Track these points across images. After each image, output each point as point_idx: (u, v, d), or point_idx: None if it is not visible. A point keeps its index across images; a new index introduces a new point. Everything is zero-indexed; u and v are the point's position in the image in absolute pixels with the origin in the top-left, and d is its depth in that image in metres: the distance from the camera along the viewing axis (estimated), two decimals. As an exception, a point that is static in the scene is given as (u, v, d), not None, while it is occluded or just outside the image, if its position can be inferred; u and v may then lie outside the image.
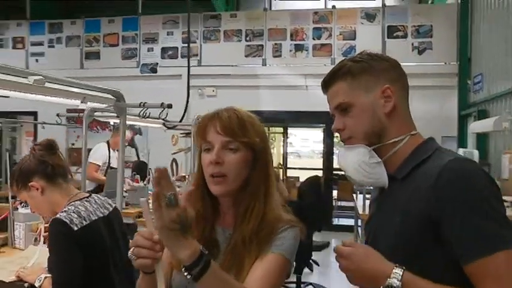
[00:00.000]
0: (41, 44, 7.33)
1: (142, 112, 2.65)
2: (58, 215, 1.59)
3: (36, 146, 1.78)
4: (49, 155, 1.74)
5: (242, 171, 1.07)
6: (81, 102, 2.19)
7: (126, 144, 4.87)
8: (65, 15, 7.58)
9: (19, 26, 7.40)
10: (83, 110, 3.33)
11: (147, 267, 0.91)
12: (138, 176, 4.31)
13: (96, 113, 3.51)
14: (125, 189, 4.06)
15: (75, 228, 1.57)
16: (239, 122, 1.07)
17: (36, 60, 7.18)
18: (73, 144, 6.51)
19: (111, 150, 4.75)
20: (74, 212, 1.62)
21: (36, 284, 1.75)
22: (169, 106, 2.63)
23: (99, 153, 4.63)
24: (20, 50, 7.38)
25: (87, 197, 1.78)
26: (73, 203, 1.69)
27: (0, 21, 7.53)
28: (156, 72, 6.93)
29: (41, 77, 1.79)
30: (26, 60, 7.25)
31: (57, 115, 3.99)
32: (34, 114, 6.53)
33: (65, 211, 1.61)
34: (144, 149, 6.15)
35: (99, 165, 4.45)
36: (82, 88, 2.21)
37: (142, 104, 2.61)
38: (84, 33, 7.24)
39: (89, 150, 4.70)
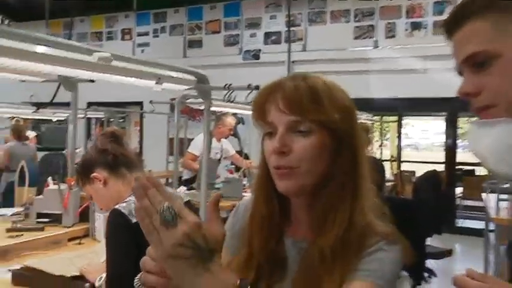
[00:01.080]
0: (146, 34, 7.53)
1: (227, 95, 2.36)
2: (117, 206, 1.49)
3: (99, 136, 1.70)
4: (111, 144, 1.63)
5: (318, 162, 0.80)
6: (156, 83, 1.97)
7: (230, 133, 4.72)
8: (169, 4, 7.70)
9: (127, 17, 7.70)
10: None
11: None
12: (233, 167, 4.11)
13: (189, 100, 3.37)
14: (219, 181, 3.90)
15: (134, 221, 1.41)
16: (310, 93, 0.80)
17: (142, 51, 7.38)
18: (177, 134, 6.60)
19: (214, 140, 4.63)
20: (134, 203, 1.43)
21: (96, 284, 1.57)
22: (257, 88, 2.30)
23: (199, 143, 4.54)
24: (128, 41, 7.68)
25: None
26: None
27: (110, 15, 7.87)
28: (258, 58, 6.71)
29: (107, 55, 1.65)
30: (132, 51, 7.47)
31: (150, 102, 3.93)
32: (140, 104, 6.74)
33: (125, 202, 1.51)
34: (246, 139, 5.98)
35: (197, 155, 4.35)
36: (159, 68, 2.01)
37: (227, 85, 2.32)
38: (187, 22, 7.27)
39: (191, 140, 4.67)
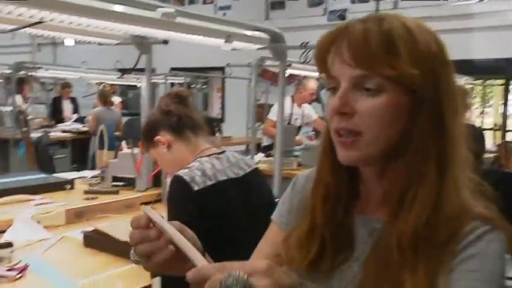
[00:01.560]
0: (228, -4, 7.39)
1: (304, 54, 2.15)
2: (179, 172, 1.40)
3: (162, 97, 1.61)
4: (175, 105, 1.54)
5: (388, 127, 0.65)
6: (225, 41, 1.83)
7: (312, 98, 4.52)
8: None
9: (208, -21, 7.58)
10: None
11: (168, 269, 0.68)
12: (314, 133, 3.91)
13: (267, 63, 3.20)
14: (298, 147, 3.73)
15: (196, 188, 1.35)
16: (384, 39, 0.63)
17: (224, 14, 7.26)
18: (258, 100, 6.50)
19: (294, 106, 4.46)
20: (197, 169, 1.38)
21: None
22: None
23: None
24: (209, 5, 7.58)
25: (219, 154, 1.51)
26: (199, 159, 1.45)
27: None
28: (344, 19, 6.25)
29: (171, 10, 1.54)
30: (214, 14, 7.42)
31: (227, 65, 3.82)
32: (222, 69, 6.68)
33: (188, 168, 1.42)
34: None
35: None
36: (227, 25, 1.86)
37: (303, 44, 2.11)
38: (270, -18, 7.00)
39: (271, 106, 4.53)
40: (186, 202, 1.37)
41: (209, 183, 1.39)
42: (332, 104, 0.66)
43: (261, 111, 5.51)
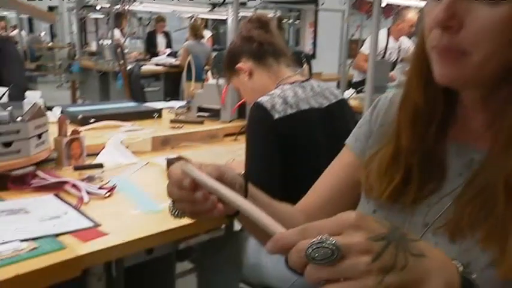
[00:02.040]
0: None
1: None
2: (259, 99, 1.34)
3: (243, 23, 1.54)
4: (257, 31, 1.46)
5: (508, 47, 0.52)
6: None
7: (411, 31, 4.13)
8: None
9: None
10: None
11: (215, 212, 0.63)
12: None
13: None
14: (391, 84, 3.46)
15: (276, 116, 1.30)
16: None
17: None
18: (352, 35, 6.10)
19: (391, 39, 4.11)
20: (279, 97, 1.31)
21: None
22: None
23: (373, 42, 4.07)
24: None
25: (302, 82, 1.42)
26: (281, 86, 1.38)
27: None
28: None
29: None
30: None
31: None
32: (315, 1, 6.33)
33: (269, 95, 1.36)
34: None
35: (370, 56, 3.93)
36: None
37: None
38: None
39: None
40: (264, 130, 1.31)
41: (290, 111, 1.32)
42: (435, 14, 0.53)
43: (354, 47, 5.20)
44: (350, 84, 3.98)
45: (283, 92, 1.35)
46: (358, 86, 3.68)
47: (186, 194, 0.62)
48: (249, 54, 1.46)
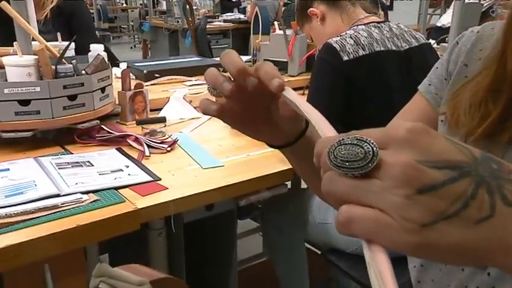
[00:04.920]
0: None
1: None
2: (330, 39, 1.27)
3: None
4: None
5: None
6: None
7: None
8: None
9: None
10: None
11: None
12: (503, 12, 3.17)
13: None
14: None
15: (345, 58, 1.22)
16: None
17: None
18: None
19: None
20: (351, 38, 1.23)
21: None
22: None
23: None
24: None
25: (379, 23, 1.31)
26: (355, 27, 1.29)
27: None
28: None
29: None
30: None
31: None
32: None
33: (340, 35, 1.28)
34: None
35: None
36: None
37: None
38: None
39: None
40: (331, 72, 1.23)
41: (362, 53, 1.21)
42: None
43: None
44: (430, 33, 3.64)
45: (356, 33, 1.25)
46: (441, 33, 3.33)
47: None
48: None
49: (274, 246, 1.46)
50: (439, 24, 3.76)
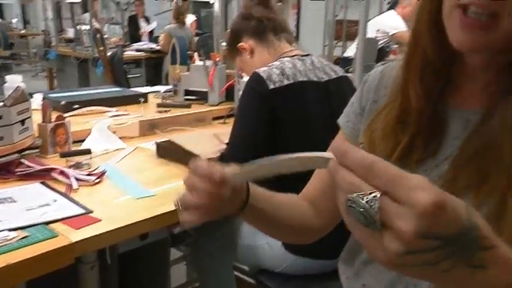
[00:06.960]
0: None
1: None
2: (257, 69, 1.34)
3: (244, 1, 1.60)
4: (255, 8, 1.47)
5: None
6: None
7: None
8: None
9: None
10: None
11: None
12: (396, 47, 3.56)
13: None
14: (380, 63, 3.45)
15: (271, 87, 1.29)
16: None
17: None
18: (336, 15, 6.05)
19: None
20: (276, 68, 1.30)
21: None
22: None
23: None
24: None
25: (303, 56, 1.41)
26: (281, 59, 1.37)
27: None
28: None
29: None
30: None
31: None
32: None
33: (268, 66, 1.35)
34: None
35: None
36: None
37: None
38: None
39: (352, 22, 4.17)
40: (257, 99, 1.30)
41: (286, 82, 1.31)
42: None
43: (339, 29, 5.14)
44: (337, 63, 3.94)
45: (282, 64, 1.35)
46: (346, 64, 3.64)
47: (212, 187, 0.59)
48: (249, 32, 1.47)
49: (205, 272, 1.49)
50: (346, 55, 4.12)
